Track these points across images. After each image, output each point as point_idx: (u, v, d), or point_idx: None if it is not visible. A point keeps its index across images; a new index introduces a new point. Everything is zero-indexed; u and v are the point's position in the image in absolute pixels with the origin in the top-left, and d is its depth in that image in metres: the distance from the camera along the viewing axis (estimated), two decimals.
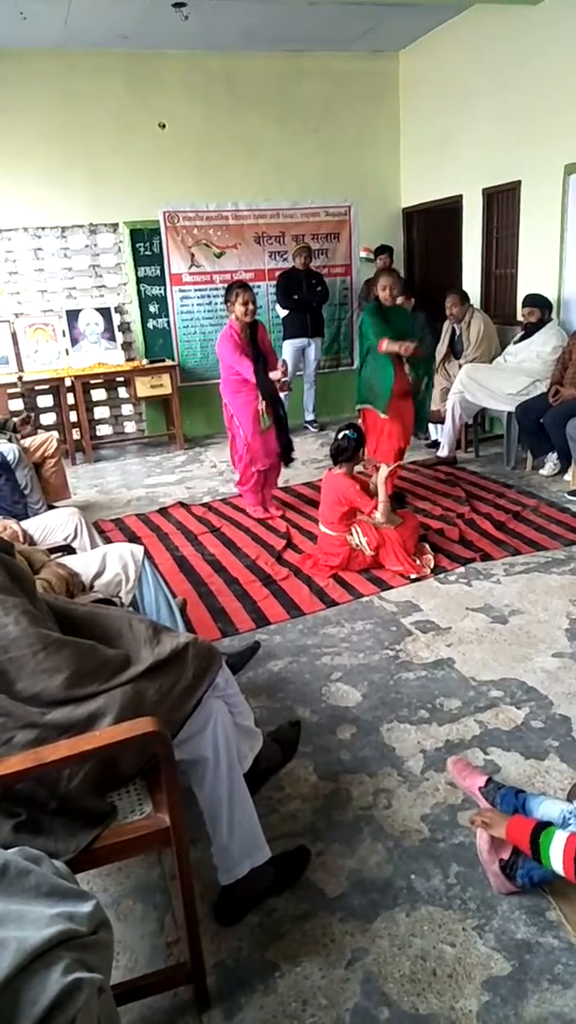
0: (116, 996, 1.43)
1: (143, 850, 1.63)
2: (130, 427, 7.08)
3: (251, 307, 4.32)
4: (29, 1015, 0.97)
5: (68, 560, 2.46)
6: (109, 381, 6.70)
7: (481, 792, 2.01)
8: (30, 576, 1.81)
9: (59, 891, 1.17)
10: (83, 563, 2.42)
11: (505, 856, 1.79)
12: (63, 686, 1.52)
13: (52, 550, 2.66)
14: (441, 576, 3.64)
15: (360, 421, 4.71)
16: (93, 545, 2.96)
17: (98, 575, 2.40)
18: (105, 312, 6.48)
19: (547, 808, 1.81)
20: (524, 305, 5.24)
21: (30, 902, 1.13)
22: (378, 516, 3.65)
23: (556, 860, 1.57)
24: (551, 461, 5.11)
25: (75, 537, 2.96)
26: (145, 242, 6.62)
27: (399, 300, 5.85)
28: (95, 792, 1.55)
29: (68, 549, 2.77)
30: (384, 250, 6.87)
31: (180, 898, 1.56)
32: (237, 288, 4.36)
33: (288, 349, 6.69)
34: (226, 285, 4.65)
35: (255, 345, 4.42)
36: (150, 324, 6.84)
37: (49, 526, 3.01)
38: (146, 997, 1.60)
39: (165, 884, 1.93)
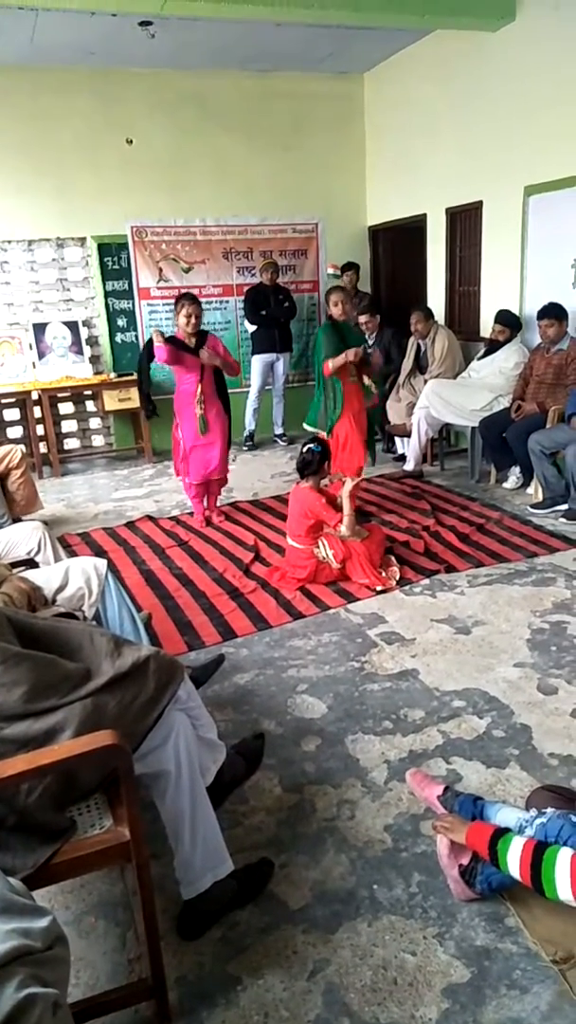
0: (77, 1013, 1.42)
1: (103, 865, 1.62)
2: (98, 441, 7.05)
3: (193, 320, 4.38)
4: None
5: (30, 574, 2.45)
6: (77, 395, 6.67)
7: (439, 801, 2.03)
8: None
9: (14, 907, 1.17)
10: (45, 577, 2.41)
11: (464, 862, 1.81)
12: (22, 700, 1.52)
13: (15, 564, 2.64)
14: (406, 588, 3.68)
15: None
16: (57, 559, 2.95)
17: (61, 589, 2.38)
18: (72, 326, 6.46)
19: (505, 815, 1.84)
20: (496, 322, 5.35)
21: None
22: (343, 529, 3.68)
23: (513, 865, 1.59)
24: (514, 475, 5.21)
25: (38, 551, 2.94)
26: (113, 256, 6.63)
27: (363, 319, 5.94)
28: (54, 807, 1.54)
29: (31, 563, 2.75)
30: (350, 267, 6.97)
31: (142, 913, 1.55)
32: (182, 299, 4.46)
33: (257, 364, 6.74)
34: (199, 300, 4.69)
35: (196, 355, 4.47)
36: (118, 338, 6.84)
37: (12, 540, 2.99)
38: (107, 1014, 1.59)
39: (127, 900, 1.91)
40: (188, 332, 4.43)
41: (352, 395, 4.50)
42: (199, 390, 4.51)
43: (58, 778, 1.53)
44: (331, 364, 4.37)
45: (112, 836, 1.52)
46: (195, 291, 6.69)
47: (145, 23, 5.19)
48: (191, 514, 5.04)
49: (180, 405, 4.59)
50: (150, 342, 4.51)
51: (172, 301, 6.75)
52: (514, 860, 1.59)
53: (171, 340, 4.42)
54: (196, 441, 4.58)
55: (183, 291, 5.41)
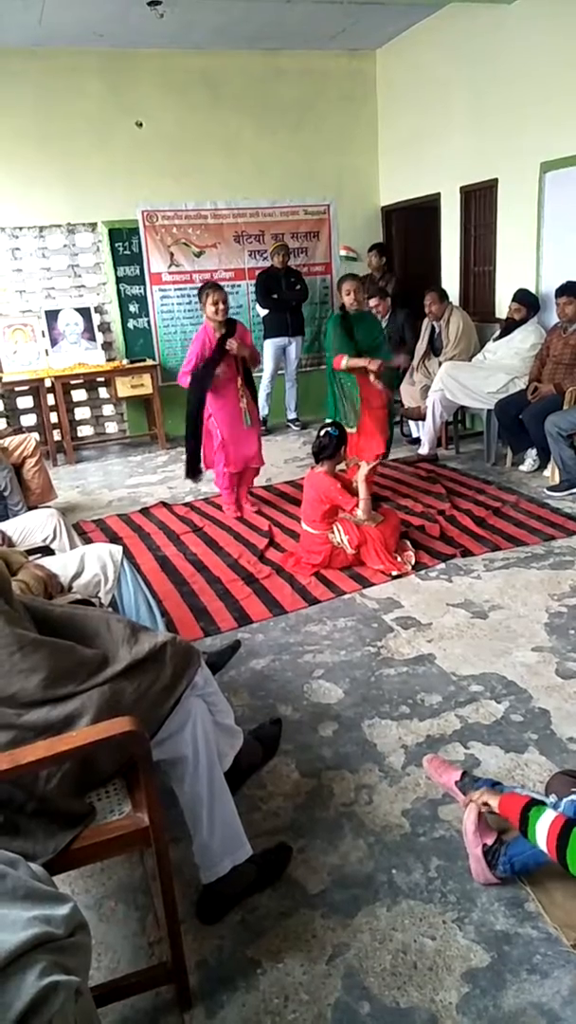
0: (98, 997, 1.43)
1: (122, 850, 1.63)
2: (111, 427, 7.05)
3: (221, 306, 4.30)
4: (4, 1019, 0.97)
5: (46, 561, 2.45)
6: (89, 381, 6.66)
7: (458, 787, 2.03)
8: (7, 577, 1.79)
9: (36, 894, 1.17)
10: (61, 564, 2.41)
11: (489, 842, 1.80)
12: (40, 687, 1.52)
13: (31, 551, 2.64)
14: (422, 572, 3.66)
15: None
16: (72, 546, 2.95)
17: (77, 576, 2.39)
18: (85, 312, 6.44)
19: None
20: (514, 300, 5.27)
21: (6, 906, 1.12)
22: (359, 514, 3.66)
23: (541, 836, 1.57)
24: (530, 457, 5.15)
25: (54, 538, 2.94)
26: (124, 241, 6.59)
27: (373, 303, 5.86)
28: (74, 793, 1.54)
29: (47, 550, 2.76)
30: (373, 248, 6.84)
31: (161, 897, 1.56)
32: (208, 288, 4.35)
33: (269, 348, 6.69)
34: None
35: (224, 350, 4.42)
36: (130, 324, 6.81)
37: (28, 527, 2.99)
38: (128, 997, 1.60)
39: (147, 884, 1.92)
40: (217, 321, 4.36)
41: (365, 385, 4.44)
42: (239, 382, 4.47)
43: (77, 764, 1.53)
44: (345, 363, 4.30)
45: (131, 822, 1.53)
46: (207, 276, 6.68)
47: (154, 3, 5.12)
48: (206, 500, 5.03)
49: (213, 395, 4.47)
50: (198, 372, 4.36)
51: (183, 286, 6.81)
52: (543, 831, 1.57)
53: (207, 365, 4.35)
54: (236, 430, 4.50)
55: (205, 280, 5.38)
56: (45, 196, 6.22)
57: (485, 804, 1.77)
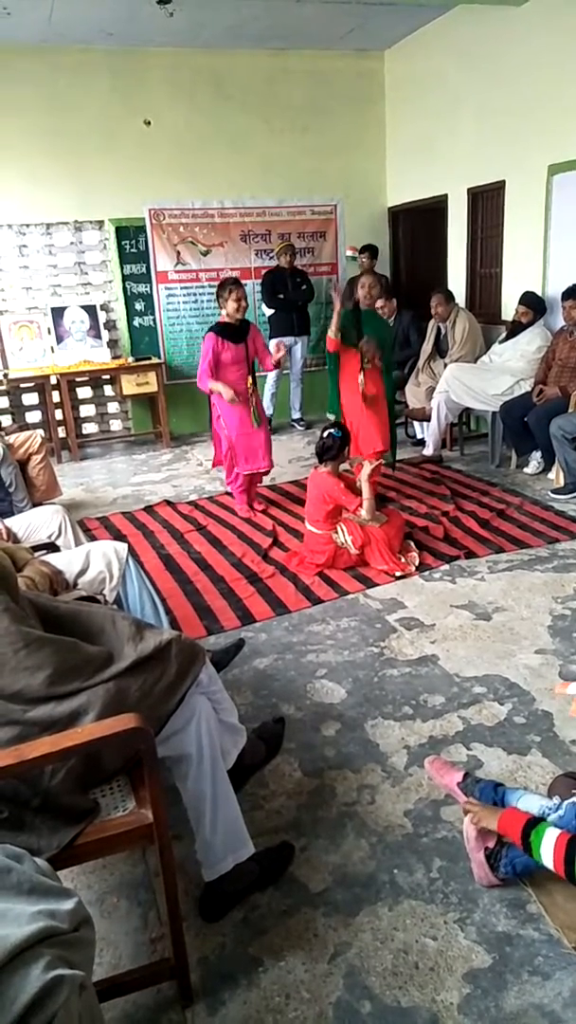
0: (100, 992, 1.43)
1: (126, 847, 1.63)
2: (116, 425, 7.06)
3: (243, 304, 4.35)
4: (8, 1012, 0.97)
5: (52, 558, 2.45)
6: (95, 379, 6.67)
7: (460, 788, 2.02)
8: (12, 574, 1.80)
9: (40, 888, 1.18)
10: (66, 561, 2.42)
11: (491, 845, 1.80)
12: (45, 683, 1.52)
13: (36, 548, 2.65)
14: (426, 573, 3.66)
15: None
16: (77, 543, 2.95)
17: (82, 573, 2.39)
18: (91, 310, 6.45)
19: (526, 802, 1.83)
20: (520, 303, 5.27)
21: (11, 900, 1.13)
22: (363, 514, 3.66)
23: (547, 857, 1.58)
24: (535, 459, 5.15)
25: (59, 535, 2.95)
26: (131, 239, 6.60)
27: (379, 303, 5.86)
28: (78, 789, 1.55)
29: (52, 547, 2.76)
30: (366, 249, 6.86)
31: (164, 894, 1.56)
32: (230, 284, 4.39)
33: (274, 348, 6.67)
34: (217, 282, 4.67)
35: (243, 343, 4.43)
36: (136, 322, 6.82)
37: (33, 524, 3.00)
38: (130, 993, 1.60)
39: (149, 881, 1.93)
40: (237, 319, 4.39)
41: (369, 379, 4.45)
42: (249, 382, 4.48)
43: (81, 760, 1.54)
44: (330, 332, 4.44)
45: (135, 818, 1.53)
46: (213, 275, 6.69)
47: (163, 1, 5.12)
48: (210, 499, 5.04)
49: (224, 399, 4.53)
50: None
51: (190, 285, 6.81)
52: (547, 852, 1.57)
53: (222, 330, 4.41)
54: (243, 430, 4.50)
55: (212, 279, 5.39)
56: (52, 193, 6.24)
57: (483, 828, 1.77)
